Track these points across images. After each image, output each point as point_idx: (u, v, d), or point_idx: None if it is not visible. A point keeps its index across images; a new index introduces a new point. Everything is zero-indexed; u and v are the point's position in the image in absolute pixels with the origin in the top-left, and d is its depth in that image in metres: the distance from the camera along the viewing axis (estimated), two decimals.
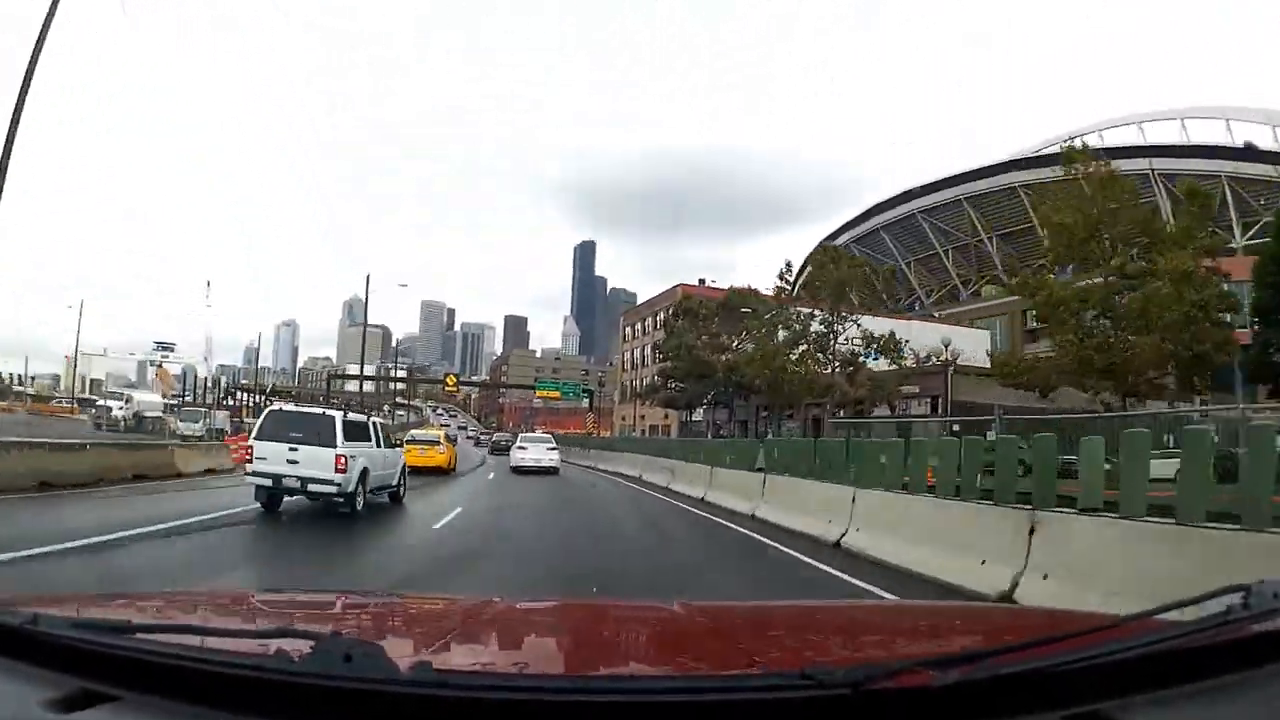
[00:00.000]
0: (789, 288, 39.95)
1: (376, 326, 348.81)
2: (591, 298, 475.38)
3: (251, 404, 71.54)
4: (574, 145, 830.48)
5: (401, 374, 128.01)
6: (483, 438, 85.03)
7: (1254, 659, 1.17)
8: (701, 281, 66.67)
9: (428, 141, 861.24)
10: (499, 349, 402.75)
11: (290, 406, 16.15)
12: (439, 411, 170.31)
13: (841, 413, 37.93)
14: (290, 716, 1.07)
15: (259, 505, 12.54)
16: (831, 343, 35.79)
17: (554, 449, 30.17)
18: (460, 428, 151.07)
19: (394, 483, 15.25)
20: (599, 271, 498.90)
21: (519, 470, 27.76)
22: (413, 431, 29.81)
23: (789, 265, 39.92)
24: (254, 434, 13.01)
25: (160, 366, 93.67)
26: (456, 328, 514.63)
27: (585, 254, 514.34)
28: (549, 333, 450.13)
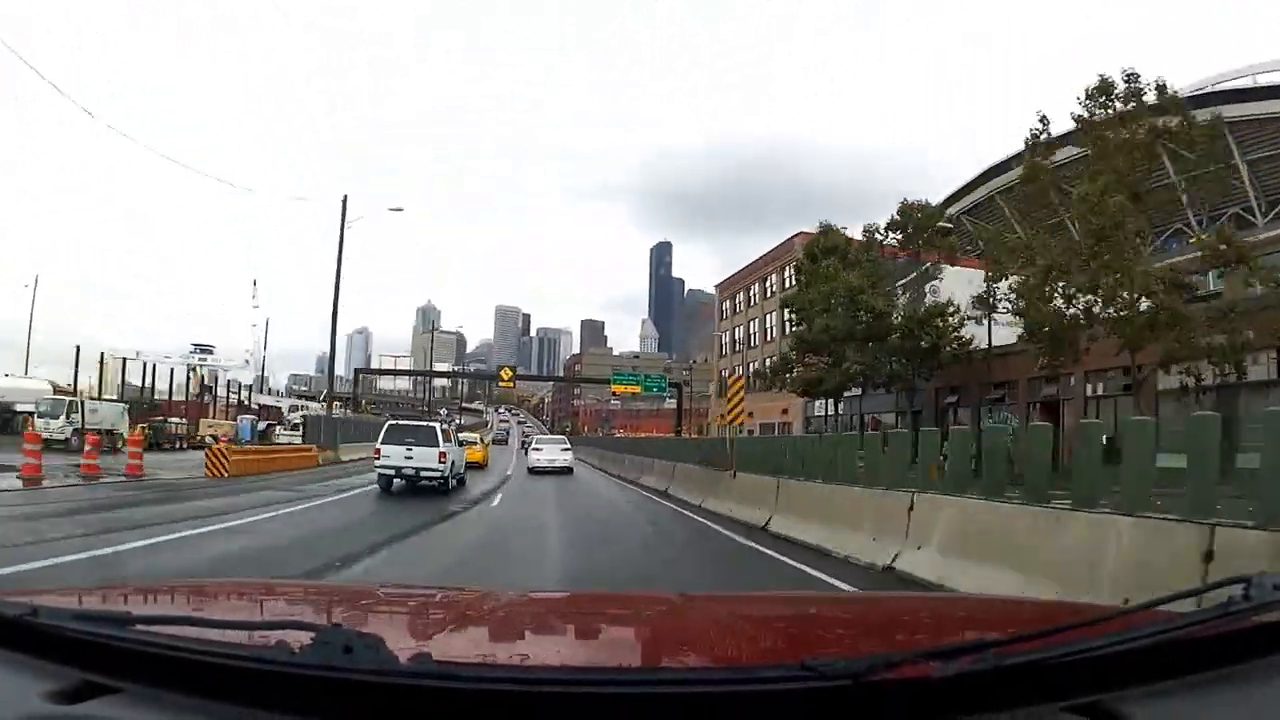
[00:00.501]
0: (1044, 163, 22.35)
1: (450, 332, 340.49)
2: (669, 299, 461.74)
3: (235, 403, 58.15)
4: (652, 145, 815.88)
5: (444, 370, 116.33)
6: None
7: (1255, 650, 1.17)
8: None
9: (502, 145, 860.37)
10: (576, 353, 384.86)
11: (405, 420, 22.68)
12: (500, 412, 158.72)
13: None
14: (291, 708, 1.07)
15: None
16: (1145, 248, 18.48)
17: (567, 449, 31.54)
18: (520, 423, 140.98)
19: (461, 471, 21.44)
20: (676, 273, 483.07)
21: (535, 471, 28.34)
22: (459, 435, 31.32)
23: (1044, 121, 22.45)
24: (380, 440, 18.30)
25: (194, 370, 78.99)
26: (532, 333, 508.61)
27: (661, 255, 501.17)
28: (627, 337, 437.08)
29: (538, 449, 31.26)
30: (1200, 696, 1.12)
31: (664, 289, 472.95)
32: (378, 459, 17.89)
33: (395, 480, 17.73)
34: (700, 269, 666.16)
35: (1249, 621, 1.17)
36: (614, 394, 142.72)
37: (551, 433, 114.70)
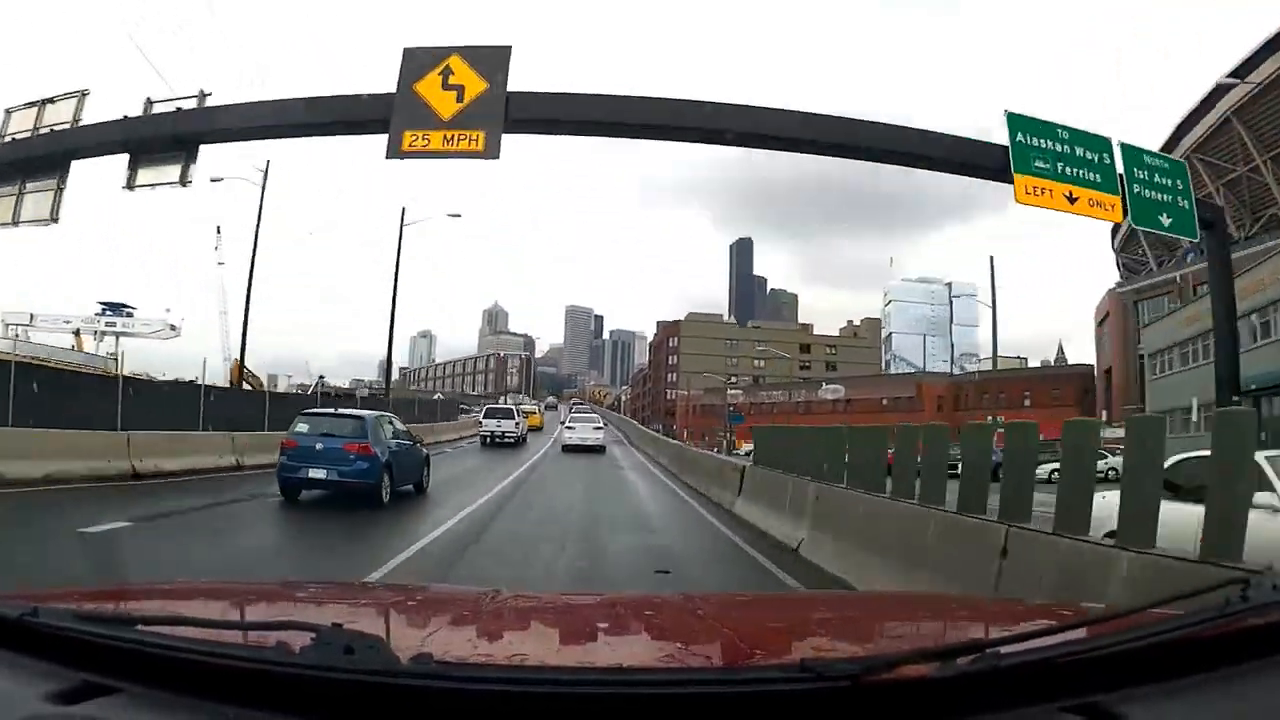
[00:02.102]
0: None
1: (517, 334, 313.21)
2: (750, 299, 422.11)
3: None
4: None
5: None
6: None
7: (1252, 651, 1.17)
8: None
9: (569, 146, 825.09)
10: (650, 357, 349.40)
11: (499, 404, 48.66)
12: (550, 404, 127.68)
13: None
14: (291, 709, 1.07)
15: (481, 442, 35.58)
16: None
17: (600, 429, 35.78)
18: (577, 404, 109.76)
19: (525, 433, 40.24)
20: (758, 271, 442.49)
21: (570, 448, 32.96)
22: (523, 406, 53.88)
23: None
24: (482, 416, 39.63)
25: (79, 335, 61.02)
26: (605, 336, 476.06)
27: (742, 252, 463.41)
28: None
29: (570, 427, 35.45)
30: (1198, 697, 1.11)
31: (745, 288, 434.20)
32: (481, 428, 36.79)
33: (490, 438, 35.17)
34: (782, 268, 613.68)
35: (1246, 623, 1.17)
36: (731, 379, 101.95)
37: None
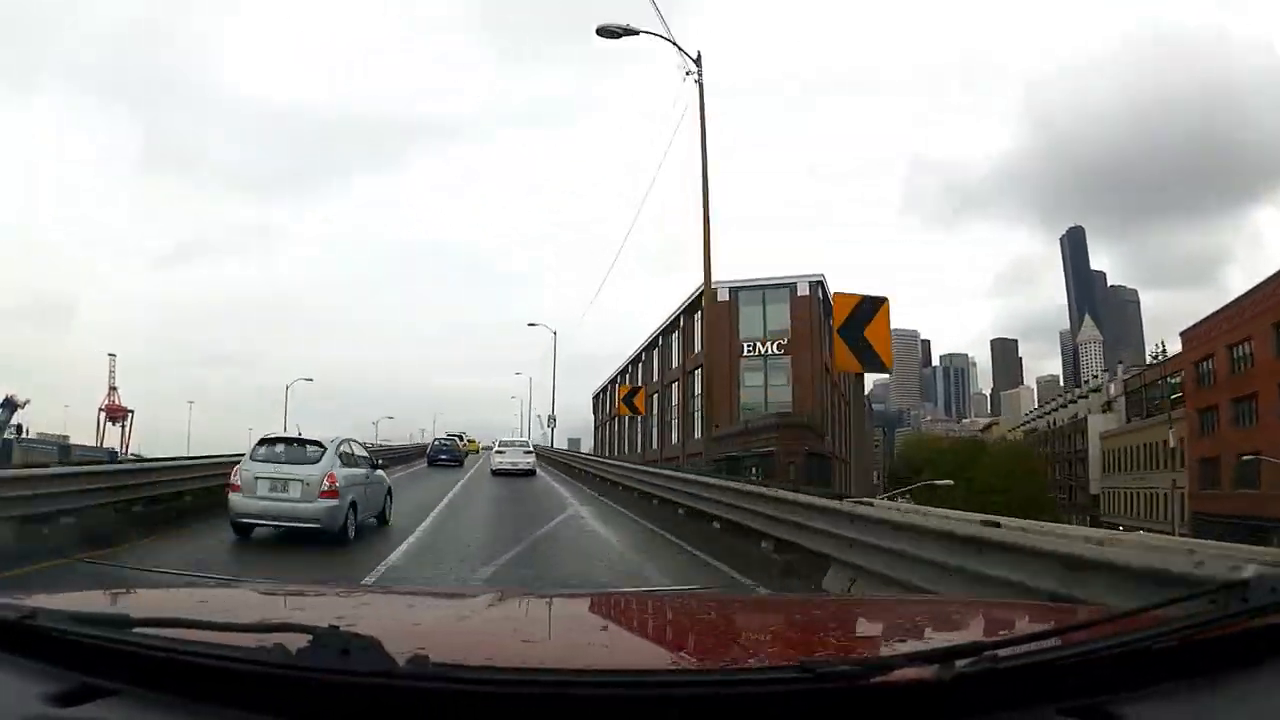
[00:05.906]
0: None
1: None
2: (1088, 297, 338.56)
3: None
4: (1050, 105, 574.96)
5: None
6: None
7: (1252, 652, 1.23)
8: None
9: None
10: (987, 386, 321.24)
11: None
12: None
13: None
14: (288, 710, 1.13)
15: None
16: None
17: (530, 452, 33.82)
18: None
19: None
20: (1093, 266, 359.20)
21: (497, 473, 31.73)
22: None
23: None
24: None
25: None
26: (935, 362, 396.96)
27: (1075, 244, 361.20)
28: (1043, 360, 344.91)
29: (500, 451, 32.42)
30: (1198, 698, 1.16)
31: (1082, 284, 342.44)
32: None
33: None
34: (1111, 262, 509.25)
35: (1247, 624, 1.21)
36: None
37: None
